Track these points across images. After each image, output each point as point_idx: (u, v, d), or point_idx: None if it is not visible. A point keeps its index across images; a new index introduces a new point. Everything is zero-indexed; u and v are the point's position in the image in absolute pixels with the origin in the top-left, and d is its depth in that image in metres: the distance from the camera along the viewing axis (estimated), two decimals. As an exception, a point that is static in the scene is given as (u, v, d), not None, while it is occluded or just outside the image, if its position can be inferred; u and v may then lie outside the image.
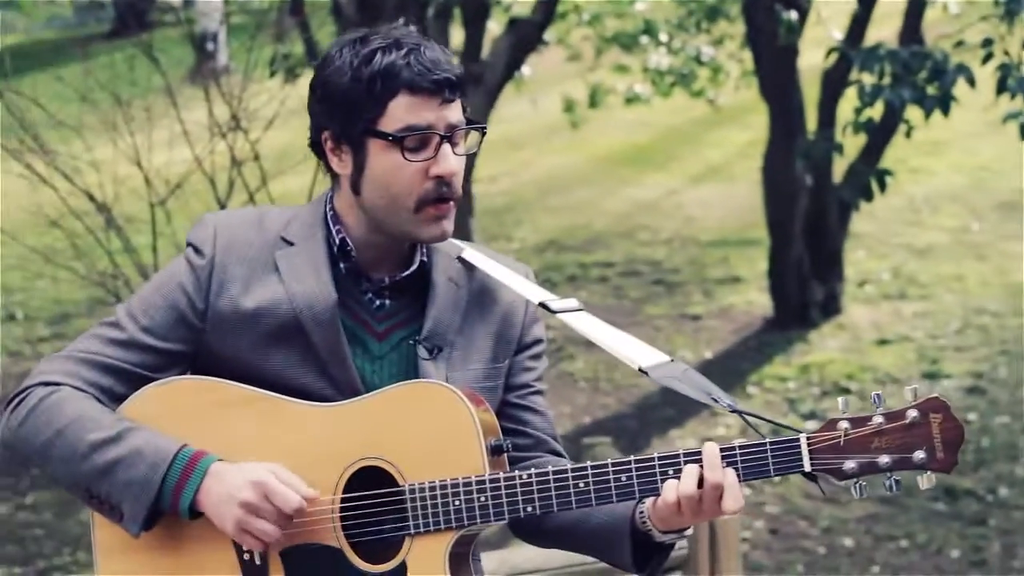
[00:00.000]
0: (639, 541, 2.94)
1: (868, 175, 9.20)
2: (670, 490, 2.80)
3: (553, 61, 17.80)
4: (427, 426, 2.89)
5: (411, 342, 3.01)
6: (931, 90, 8.08)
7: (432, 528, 2.87)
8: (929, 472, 2.74)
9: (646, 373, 2.99)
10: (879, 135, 11.27)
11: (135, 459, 2.86)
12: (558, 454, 3.15)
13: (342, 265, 3.01)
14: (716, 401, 2.95)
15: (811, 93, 12.63)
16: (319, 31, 11.76)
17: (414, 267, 3.03)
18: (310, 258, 2.99)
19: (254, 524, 2.83)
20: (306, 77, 10.88)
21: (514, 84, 14.57)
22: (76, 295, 14.29)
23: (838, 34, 11.98)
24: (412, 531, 2.88)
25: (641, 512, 2.90)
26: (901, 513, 9.75)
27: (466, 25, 12.29)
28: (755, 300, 13.64)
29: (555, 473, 2.85)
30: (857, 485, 2.77)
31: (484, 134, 3.05)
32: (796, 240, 12.87)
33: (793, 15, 11.60)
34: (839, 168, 12.11)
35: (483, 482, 2.86)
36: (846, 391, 11.38)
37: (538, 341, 3.17)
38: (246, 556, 2.91)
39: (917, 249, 14.71)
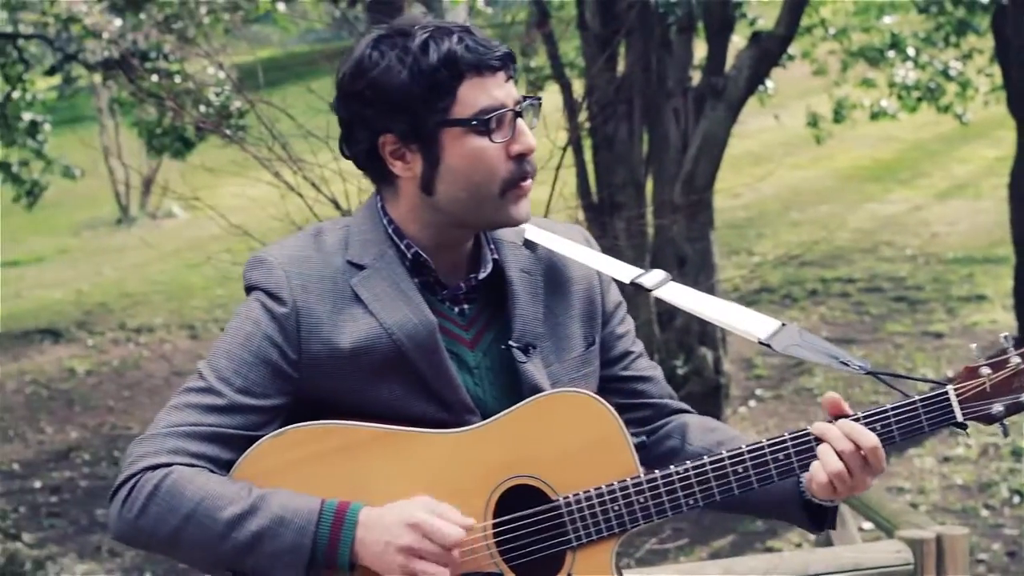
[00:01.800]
0: (808, 505, 2.89)
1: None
2: (819, 471, 2.76)
3: (798, 75, 17.71)
4: (570, 435, 2.82)
5: (503, 346, 2.89)
6: None
7: (595, 537, 2.81)
8: None
9: (768, 346, 2.89)
10: None
11: (278, 527, 2.70)
12: (682, 411, 3.10)
13: (416, 280, 2.86)
14: (846, 364, 2.88)
15: (1062, 109, 12.39)
16: (564, 43, 11.89)
17: (489, 268, 2.90)
18: (392, 282, 2.83)
19: (419, 567, 2.71)
20: (550, 90, 10.94)
21: (757, 98, 14.53)
22: (323, 301, 14.66)
23: (1090, 48, 11.73)
24: (574, 543, 2.81)
25: (802, 486, 2.86)
26: None
27: (709, 39, 12.30)
28: (1000, 319, 13.41)
29: (712, 462, 2.80)
30: (1002, 425, 2.79)
31: (539, 104, 2.87)
32: (1043, 258, 12.62)
33: (1043, 29, 11.41)
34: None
35: (640, 483, 2.81)
36: (1091, 413, 11.11)
37: (619, 304, 3.07)
38: None
39: None
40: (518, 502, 2.82)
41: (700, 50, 12.63)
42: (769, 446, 2.80)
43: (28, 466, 12.33)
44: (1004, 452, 10.56)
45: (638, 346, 3.11)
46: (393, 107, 2.76)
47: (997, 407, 2.77)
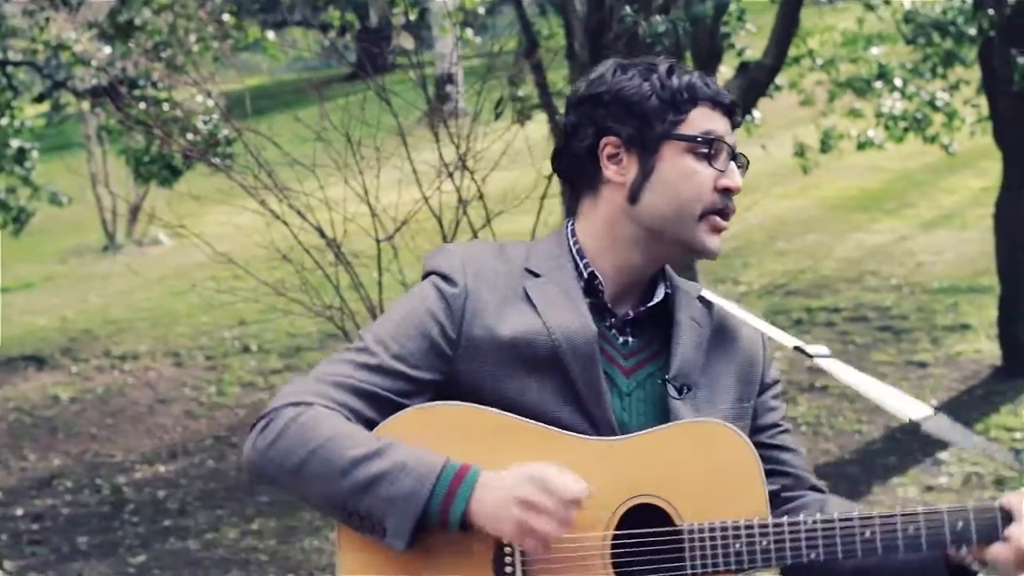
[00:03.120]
0: (954, 570, 2.94)
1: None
2: (1004, 550, 2.81)
3: (785, 105, 17.73)
4: (707, 466, 2.86)
5: (660, 381, 2.97)
6: None
7: (710, 570, 2.83)
8: None
9: (919, 425, 2.99)
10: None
11: (399, 473, 2.77)
12: (818, 490, 3.14)
13: (588, 300, 2.98)
14: (993, 456, 2.98)
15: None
16: (552, 72, 11.92)
17: (659, 298, 3.02)
18: (562, 289, 2.95)
19: (535, 522, 2.74)
20: (537, 120, 10.93)
21: (745, 128, 14.55)
22: (307, 328, 14.64)
23: (1076, 80, 11.76)
24: (688, 571, 2.84)
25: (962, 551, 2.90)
26: None
27: (697, 68, 12.33)
28: (984, 348, 13.42)
29: (841, 520, 2.85)
30: None
31: (746, 167, 3.07)
32: (1028, 288, 12.65)
33: (1029, 61, 11.45)
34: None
35: (766, 526, 2.85)
36: (1076, 444, 11.15)
37: (777, 381, 3.18)
38: None
39: None
40: (642, 520, 2.86)
41: (687, 80, 12.65)
42: (902, 517, 2.85)
43: (10, 493, 12.30)
44: (987, 481, 10.57)
45: (787, 424, 3.19)
46: (627, 110, 2.97)
47: None
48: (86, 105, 16.95)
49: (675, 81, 2.97)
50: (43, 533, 11.32)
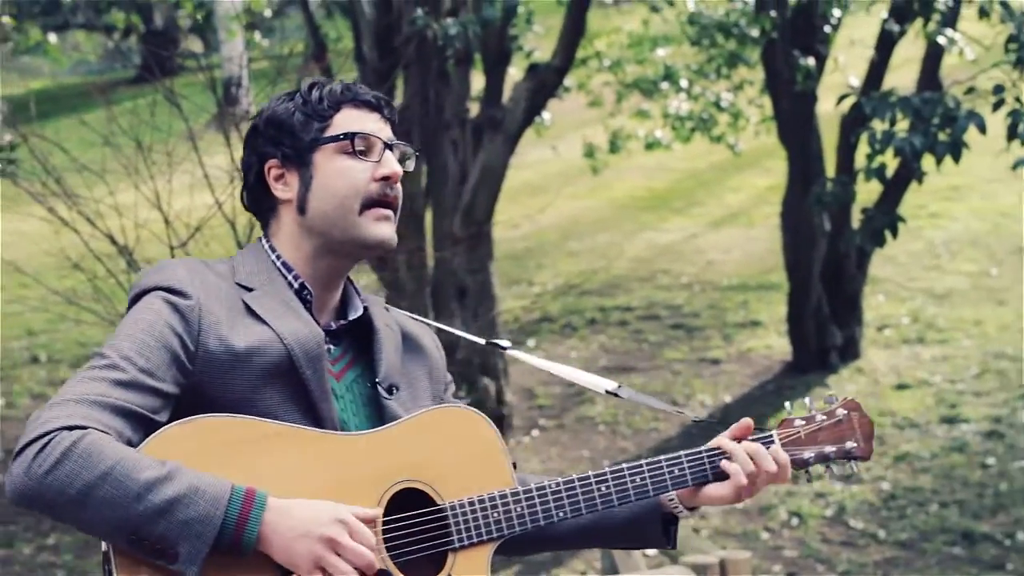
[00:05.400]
0: (666, 522, 3.28)
1: (881, 221, 9.24)
2: (724, 487, 3.19)
3: (574, 107, 17.89)
4: (457, 448, 3.10)
5: (368, 384, 3.16)
6: (942, 136, 8.13)
7: (475, 540, 3.06)
8: (856, 460, 3.30)
9: (616, 395, 3.35)
10: (896, 181, 11.30)
11: (193, 496, 2.76)
12: None
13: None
14: (683, 414, 3.46)
15: (832, 139, 12.71)
16: (342, 76, 11.86)
17: (359, 312, 3.20)
18: (281, 300, 3.08)
19: (332, 561, 2.84)
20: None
21: (534, 129, 14.65)
22: (99, 338, 14.38)
23: (856, 80, 12.04)
24: (456, 545, 3.04)
25: (671, 499, 3.23)
26: (918, 558, 9.76)
27: (487, 71, 12.39)
28: (774, 344, 13.68)
29: (579, 480, 3.14)
30: (806, 472, 3.30)
31: (418, 156, 3.26)
32: (815, 284, 12.93)
33: (811, 62, 11.70)
34: (860, 213, 12.15)
35: (517, 493, 3.10)
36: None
37: (451, 378, 3.43)
38: None
39: (936, 294, 14.73)
40: (406, 504, 3.03)
41: (478, 82, 12.70)
42: (628, 469, 3.16)
43: None
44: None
45: None
46: (278, 131, 3.14)
47: (808, 454, 3.27)
48: None
49: (315, 93, 3.15)
50: None
